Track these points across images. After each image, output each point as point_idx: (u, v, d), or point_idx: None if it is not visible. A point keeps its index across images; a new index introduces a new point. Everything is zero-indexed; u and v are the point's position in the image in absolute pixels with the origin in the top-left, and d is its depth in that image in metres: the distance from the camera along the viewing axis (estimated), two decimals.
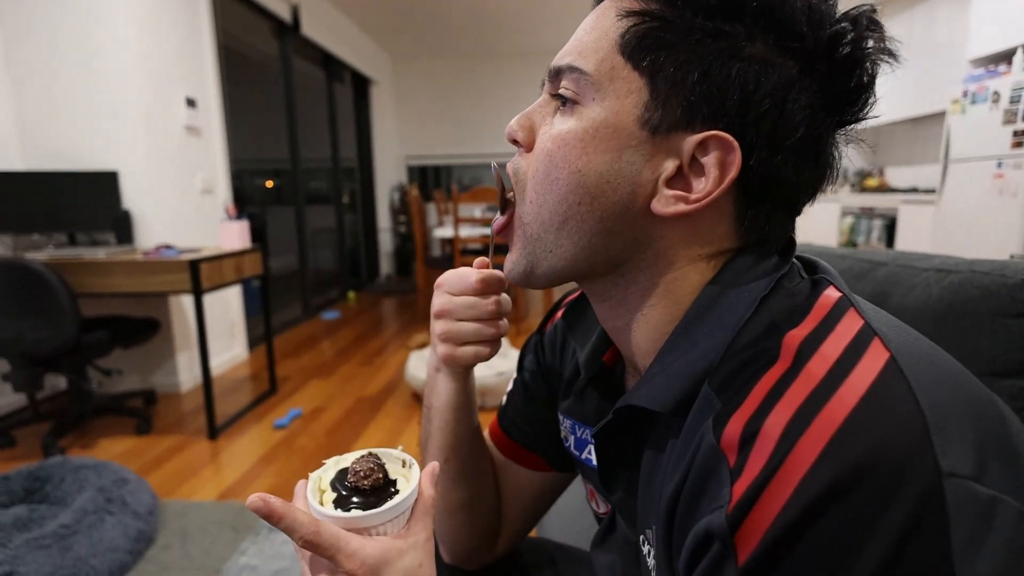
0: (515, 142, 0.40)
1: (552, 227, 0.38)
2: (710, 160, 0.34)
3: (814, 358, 0.29)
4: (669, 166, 0.35)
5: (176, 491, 1.74)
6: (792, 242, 0.39)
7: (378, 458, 0.41)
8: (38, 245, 2.39)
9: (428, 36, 5.39)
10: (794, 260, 0.38)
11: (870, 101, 0.35)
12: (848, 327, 0.30)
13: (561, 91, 0.37)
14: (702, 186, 0.34)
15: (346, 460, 0.42)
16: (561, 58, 0.38)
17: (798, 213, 0.37)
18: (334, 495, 0.39)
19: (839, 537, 0.24)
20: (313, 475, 0.41)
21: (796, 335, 0.30)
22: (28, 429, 2.15)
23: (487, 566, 0.61)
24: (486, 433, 0.61)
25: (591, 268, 0.39)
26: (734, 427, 0.29)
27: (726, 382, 0.32)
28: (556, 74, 0.38)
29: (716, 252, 0.37)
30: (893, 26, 4.15)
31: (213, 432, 2.11)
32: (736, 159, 0.33)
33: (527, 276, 0.41)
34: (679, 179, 0.35)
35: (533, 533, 0.68)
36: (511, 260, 0.41)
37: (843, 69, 0.33)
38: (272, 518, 0.35)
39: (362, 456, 0.41)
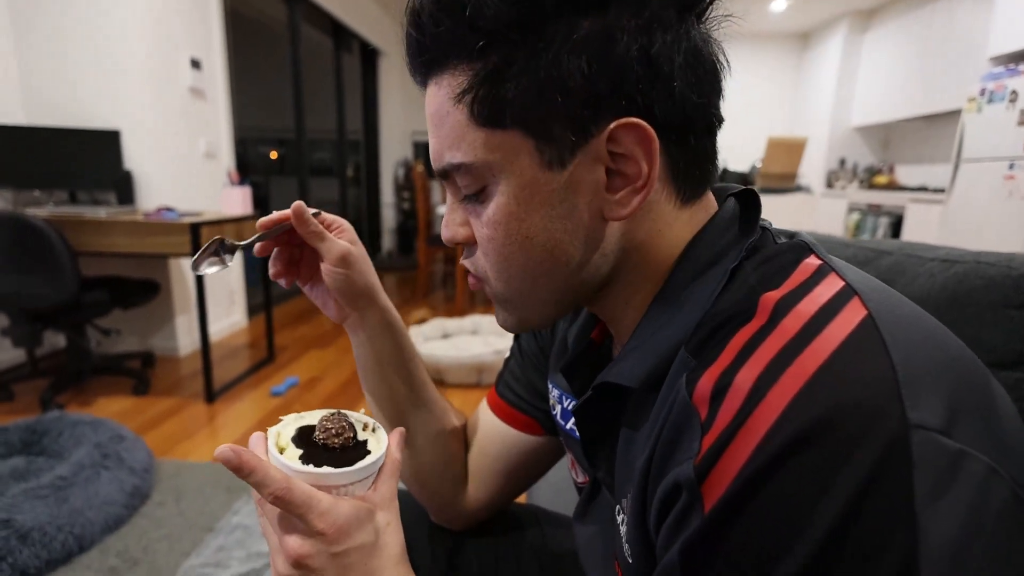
0: (459, 244, 0.40)
1: (526, 292, 0.38)
2: (628, 146, 0.33)
3: (790, 315, 0.29)
4: (599, 176, 0.34)
5: (171, 451, 1.76)
6: (754, 200, 0.38)
7: (347, 417, 0.40)
8: (39, 202, 2.37)
9: None
10: (769, 229, 0.38)
11: None
12: (828, 287, 0.30)
13: (464, 191, 0.37)
14: (641, 169, 0.33)
15: (307, 418, 0.41)
16: (439, 160, 0.37)
17: (720, 121, 0.36)
18: (299, 452, 0.38)
19: (802, 485, 0.25)
20: (272, 430, 0.40)
21: (773, 296, 0.30)
22: (27, 384, 2.16)
23: (473, 527, 0.61)
24: (484, 400, 0.62)
25: (583, 298, 0.40)
26: (706, 382, 0.29)
27: (701, 343, 0.32)
28: (445, 175, 0.37)
29: (674, 219, 0.37)
30: (912, 21, 4.08)
31: (210, 396, 2.13)
32: (647, 130, 0.32)
33: (523, 327, 0.42)
34: (615, 178, 0.34)
35: (523, 499, 0.69)
36: (500, 316, 0.42)
37: None
38: (242, 471, 0.34)
39: (332, 414, 0.40)
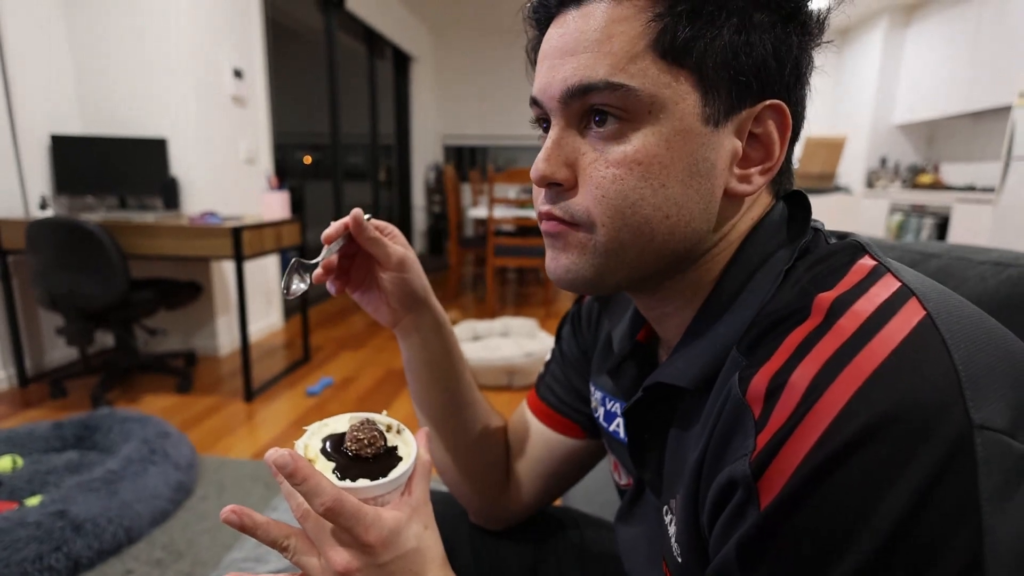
0: (552, 184, 0.36)
1: (635, 245, 0.35)
2: (768, 128, 0.35)
3: (846, 315, 0.29)
4: (736, 148, 0.35)
5: (213, 447, 1.82)
6: (803, 201, 0.39)
7: (375, 424, 0.40)
8: (91, 207, 2.49)
9: (470, 9, 5.34)
10: (821, 230, 0.38)
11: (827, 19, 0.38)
12: (884, 287, 0.30)
13: (607, 110, 0.34)
14: (772, 153, 0.35)
15: (331, 425, 0.40)
16: (588, 77, 0.33)
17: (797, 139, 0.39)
18: (331, 464, 0.37)
19: (864, 482, 0.24)
20: (298, 443, 0.39)
21: (828, 296, 0.30)
22: (79, 381, 2.27)
23: (512, 527, 0.62)
24: (524, 402, 0.62)
25: (667, 272, 0.38)
26: (760, 380, 0.29)
27: (754, 343, 0.32)
28: (583, 92, 0.34)
29: (744, 216, 0.38)
30: (959, 13, 3.92)
31: (249, 395, 2.19)
32: (789, 119, 0.35)
33: (592, 286, 0.37)
34: (746, 156, 0.36)
35: (558, 503, 0.69)
36: (567, 264, 0.37)
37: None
38: (295, 477, 0.34)
39: (361, 423, 0.39)
